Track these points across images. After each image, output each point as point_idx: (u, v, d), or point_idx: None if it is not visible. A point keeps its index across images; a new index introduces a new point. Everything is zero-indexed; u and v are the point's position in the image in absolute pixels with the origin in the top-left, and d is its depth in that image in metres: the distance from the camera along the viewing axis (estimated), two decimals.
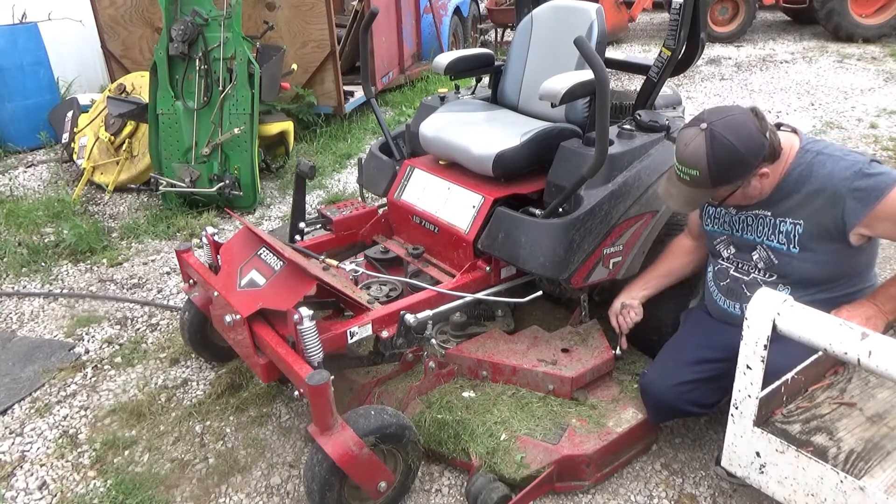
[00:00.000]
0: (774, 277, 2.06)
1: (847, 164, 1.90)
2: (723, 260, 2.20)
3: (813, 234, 1.95)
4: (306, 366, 2.00)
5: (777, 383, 1.74)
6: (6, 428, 2.64)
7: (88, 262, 3.92)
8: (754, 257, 2.10)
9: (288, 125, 5.13)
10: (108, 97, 4.80)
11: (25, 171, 5.32)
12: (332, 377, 1.91)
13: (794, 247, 1.99)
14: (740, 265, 2.15)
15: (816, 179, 1.92)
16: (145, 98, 4.56)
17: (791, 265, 2.01)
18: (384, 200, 2.99)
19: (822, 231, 1.93)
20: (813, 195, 1.93)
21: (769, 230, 2.04)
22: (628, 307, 2.39)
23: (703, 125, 1.87)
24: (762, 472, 1.70)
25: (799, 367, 1.79)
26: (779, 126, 2.03)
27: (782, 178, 1.98)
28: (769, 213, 2.03)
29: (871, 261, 2.06)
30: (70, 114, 5.40)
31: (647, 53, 9.36)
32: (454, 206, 2.63)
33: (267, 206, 4.66)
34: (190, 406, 2.68)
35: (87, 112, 5.22)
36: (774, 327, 1.55)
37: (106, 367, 2.98)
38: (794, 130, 2.03)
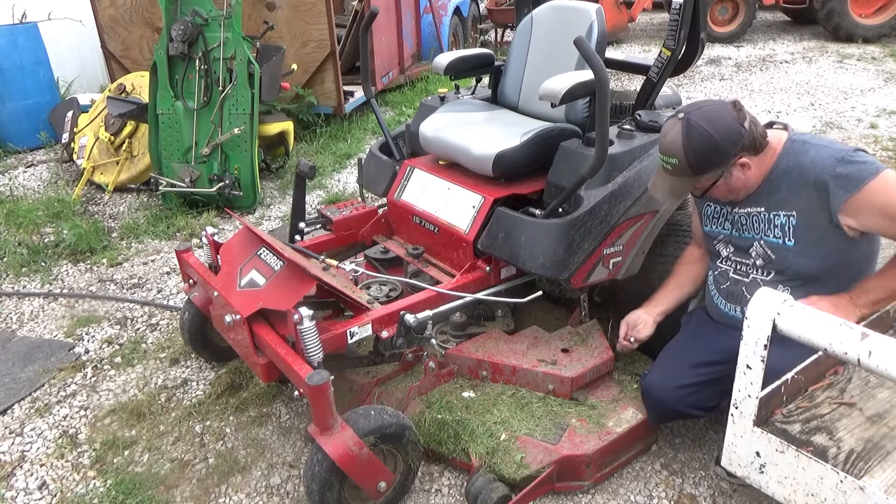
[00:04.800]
0: (772, 275, 2.06)
1: (831, 152, 1.92)
2: (722, 261, 2.21)
3: (806, 226, 1.97)
4: (306, 366, 2.00)
5: (777, 383, 1.74)
6: (6, 428, 2.64)
7: (88, 262, 3.92)
8: (752, 254, 2.10)
9: (288, 125, 5.13)
10: (108, 97, 4.80)
11: (25, 171, 5.32)
12: (332, 377, 1.91)
13: (790, 240, 2.00)
14: (739, 266, 2.15)
15: (802, 168, 1.95)
16: (145, 98, 4.56)
17: (787, 259, 2.02)
18: (384, 200, 2.99)
19: (815, 222, 1.95)
20: (800, 185, 1.96)
21: (765, 226, 2.06)
22: (643, 323, 2.33)
23: (681, 115, 1.94)
24: (762, 472, 1.70)
25: (799, 367, 1.79)
26: (771, 125, 2.05)
27: (770, 170, 2.00)
28: (762, 209, 2.05)
29: (868, 257, 2.05)
30: (70, 114, 5.40)
31: (647, 53, 9.36)
32: (454, 206, 2.63)
33: (267, 206, 4.66)
34: (190, 406, 2.68)
35: (87, 112, 5.22)
36: (774, 327, 1.55)
37: (106, 367, 2.98)
38: (785, 127, 2.06)
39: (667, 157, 1.97)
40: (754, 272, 2.11)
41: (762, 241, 2.07)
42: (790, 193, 1.97)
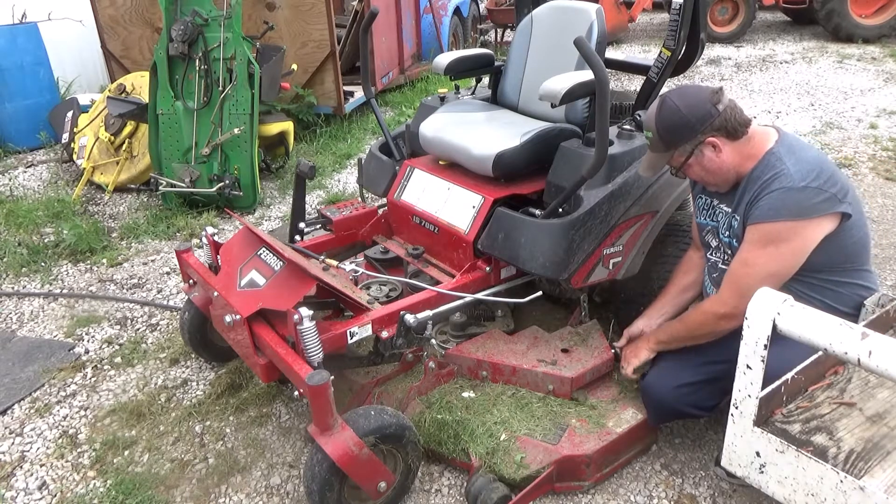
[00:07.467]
0: None
1: (788, 179, 1.90)
2: (712, 253, 2.25)
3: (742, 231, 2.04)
4: (306, 366, 2.00)
5: (777, 383, 1.74)
6: (6, 428, 2.64)
7: (88, 262, 3.92)
8: (728, 251, 2.15)
9: (288, 125, 5.13)
10: (108, 97, 4.80)
11: (25, 171, 5.31)
12: (332, 377, 1.91)
13: (736, 241, 2.06)
14: (727, 258, 2.19)
15: (762, 182, 1.96)
16: (145, 98, 4.57)
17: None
18: (384, 200, 3.00)
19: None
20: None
21: (726, 225, 2.11)
22: (635, 346, 2.33)
23: (663, 94, 2.05)
24: (762, 472, 1.70)
25: (799, 367, 1.79)
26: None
27: (748, 175, 2.02)
28: (729, 210, 2.09)
29: (844, 252, 2.01)
30: (70, 114, 5.40)
31: (647, 53, 9.37)
32: (454, 206, 2.63)
33: (267, 206, 4.66)
34: (190, 406, 2.68)
35: (87, 112, 5.22)
36: (774, 327, 1.56)
37: (106, 367, 2.98)
38: (777, 129, 2.06)
39: (647, 131, 2.08)
40: None
41: (726, 240, 2.14)
42: (746, 199, 2.01)
